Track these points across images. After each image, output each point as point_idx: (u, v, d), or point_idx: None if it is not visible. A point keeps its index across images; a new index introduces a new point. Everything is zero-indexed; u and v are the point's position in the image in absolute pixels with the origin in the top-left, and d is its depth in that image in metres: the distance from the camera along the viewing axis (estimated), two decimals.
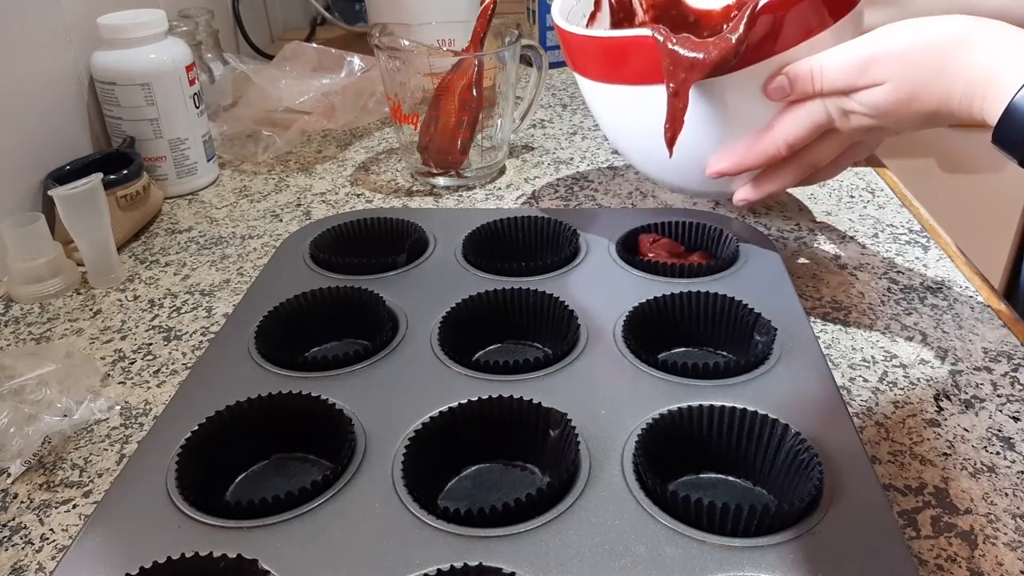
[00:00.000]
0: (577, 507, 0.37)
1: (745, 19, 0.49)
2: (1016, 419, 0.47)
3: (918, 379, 0.50)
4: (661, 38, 0.52)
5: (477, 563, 0.34)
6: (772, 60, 0.51)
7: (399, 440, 0.41)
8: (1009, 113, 0.39)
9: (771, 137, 0.51)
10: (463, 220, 0.63)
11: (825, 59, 0.48)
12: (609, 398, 0.44)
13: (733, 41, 0.49)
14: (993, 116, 0.40)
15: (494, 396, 0.43)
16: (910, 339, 0.54)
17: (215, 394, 0.44)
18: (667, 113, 0.53)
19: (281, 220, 0.73)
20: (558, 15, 0.62)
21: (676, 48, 0.51)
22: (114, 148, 0.75)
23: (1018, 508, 0.41)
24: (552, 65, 1.10)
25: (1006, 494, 0.42)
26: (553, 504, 0.37)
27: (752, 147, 0.53)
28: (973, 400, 0.48)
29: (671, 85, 0.52)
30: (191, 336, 0.57)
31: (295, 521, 0.37)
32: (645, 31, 0.53)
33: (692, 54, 0.50)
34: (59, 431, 0.47)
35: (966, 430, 0.46)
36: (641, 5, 0.70)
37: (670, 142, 0.53)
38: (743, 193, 0.56)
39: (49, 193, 0.63)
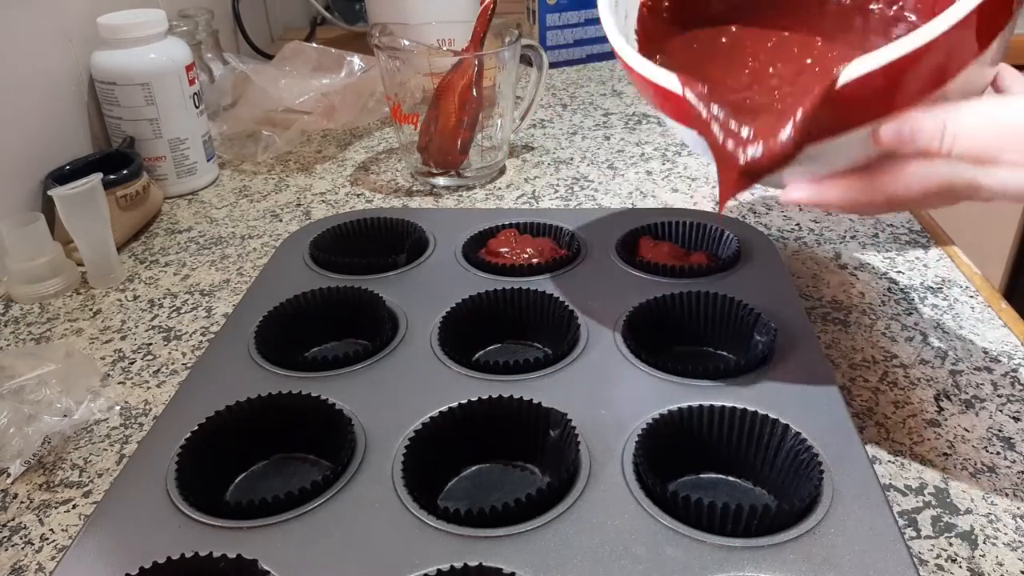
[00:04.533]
0: (577, 507, 0.37)
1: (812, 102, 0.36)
2: (1016, 419, 0.47)
3: (918, 379, 0.50)
4: (699, 109, 0.39)
5: (477, 563, 0.34)
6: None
7: (399, 440, 0.41)
8: None
9: (870, 187, 0.38)
10: (463, 220, 0.63)
11: (961, 117, 0.35)
12: (609, 398, 0.44)
13: (788, 138, 0.36)
14: None
15: (494, 396, 0.43)
16: (910, 339, 0.54)
17: (215, 394, 0.44)
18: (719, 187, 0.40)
19: (281, 220, 0.73)
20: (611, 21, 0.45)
21: (715, 131, 0.38)
22: (114, 148, 0.75)
23: (1018, 508, 0.41)
24: (552, 65, 1.10)
25: (1006, 494, 0.42)
26: (553, 504, 0.37)
27: (843, 188, 0.39)
28: (973, 400, 0.48)
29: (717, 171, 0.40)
30: (191, 336, 0.57)
31: (295, 521, 0.37)
32: (673, 83, 0.40)
33: (732, 149, 0.38)
34: (59, 431, 0.47)
35: (966, 430, 0.46)
36: None
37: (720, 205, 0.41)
38: (794, 195, 0.41)
39: (49, 193, 0.63)
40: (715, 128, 0.39)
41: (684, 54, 0.48)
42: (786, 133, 0.36)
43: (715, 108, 0.39)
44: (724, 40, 0.49)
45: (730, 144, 0.38)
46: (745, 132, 0.38)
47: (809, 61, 0.46)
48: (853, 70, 0.35)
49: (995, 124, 0.35)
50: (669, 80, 0.40)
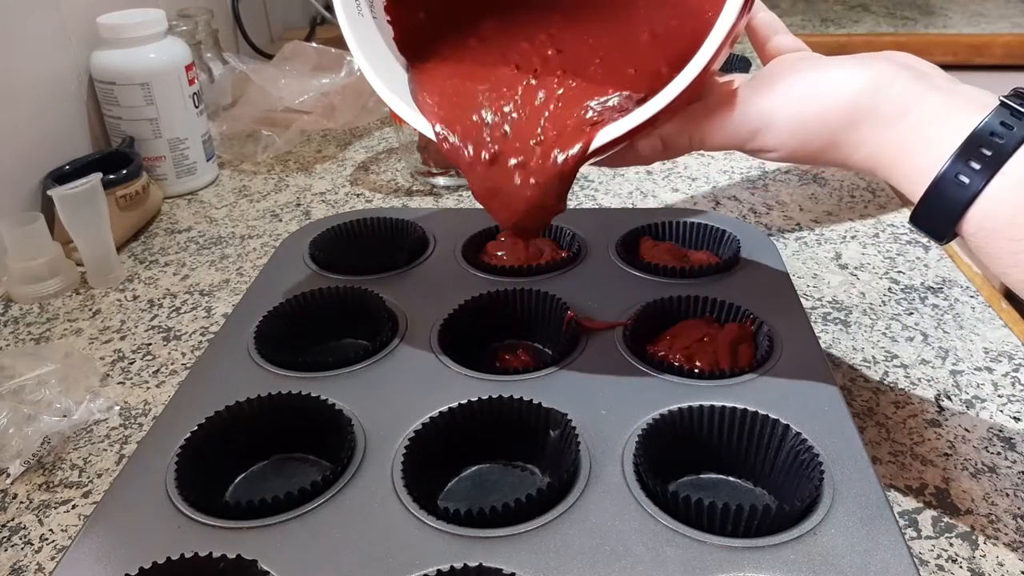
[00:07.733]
0: (577, 507, 0.37)
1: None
2: (1017, 419, 0.47)
3: (919, 379, 0.50)
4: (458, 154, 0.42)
5: (477, 564, 0.34)
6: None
7: (399, 440, 0.41)
8: (929, 200, 0.36)
9: (635, 155, 0.44)
10: (463, 220, 0.63)
11: (705, 132, 0.41)
12: (609, 398, 0.44)
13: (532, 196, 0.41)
14: (909, 194, 0.37)
15: (494, 396, 0.43)
16: (911, 339, 0.54)
17: (215, 394, 0.44)
18: None
19: (281, 220, 0.73)
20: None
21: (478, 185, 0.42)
22: (114, 148, 0.75)
23: (1019, 508, 0.41)
24: None
25: (1007, 494, 0.42)
26: (553, 504, 0.37)
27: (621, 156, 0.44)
28: (974, 400, 0.48)
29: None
30: (190, 336, 0.57)
31: (295, 521, 0.37)
32: (429, 130, 0.42)
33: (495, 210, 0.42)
34: (58, 431, 0.47)
35: (967, 430, 0.46)
36: None
37: None
38: None
39: (49, 193, 0.63)
40: (476, 183, 0.43)
41: (437, 57, 0.47)
42: (541, 190, 0.41)
43: (471, 152, 0.42)
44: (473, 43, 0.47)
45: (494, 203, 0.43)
46: (501, 201, 0.43)
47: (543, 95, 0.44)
48: (605, 135, 0.39)
49: (733, 134, 0.40)
50: (426, 127, 0.43)
